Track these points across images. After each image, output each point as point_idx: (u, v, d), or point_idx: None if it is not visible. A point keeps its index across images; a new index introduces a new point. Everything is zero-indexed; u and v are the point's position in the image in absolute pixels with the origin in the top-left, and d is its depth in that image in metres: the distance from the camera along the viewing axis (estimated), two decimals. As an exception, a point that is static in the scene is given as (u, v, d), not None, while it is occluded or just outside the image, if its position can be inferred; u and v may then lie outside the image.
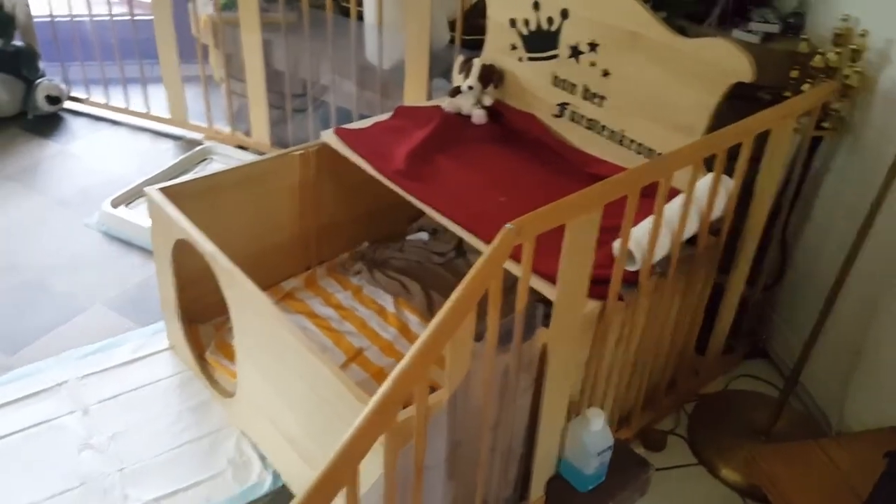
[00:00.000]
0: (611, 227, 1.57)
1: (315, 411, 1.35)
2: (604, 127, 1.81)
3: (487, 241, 1.49)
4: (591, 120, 1.84)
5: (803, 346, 1.61)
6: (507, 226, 1.08)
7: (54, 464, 1.61)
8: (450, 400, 1.11)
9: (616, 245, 1.42)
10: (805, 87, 1.72)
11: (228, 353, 1.84)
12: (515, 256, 1.13)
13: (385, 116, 2.02)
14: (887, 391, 1.64)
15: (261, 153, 2.77)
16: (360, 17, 2.44)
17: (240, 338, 1.53)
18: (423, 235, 2.33)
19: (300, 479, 1.50)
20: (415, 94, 2.34)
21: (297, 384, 1.37)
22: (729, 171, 1.54)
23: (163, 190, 1.70)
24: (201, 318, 1.88)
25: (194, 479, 1.60)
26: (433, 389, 1.15)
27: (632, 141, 1.75)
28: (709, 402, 1.89)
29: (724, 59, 1.50)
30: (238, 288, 1.46)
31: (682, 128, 1.63)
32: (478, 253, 1.96)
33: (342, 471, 0.89)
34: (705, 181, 1.54)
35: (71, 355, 1.89)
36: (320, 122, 2.65)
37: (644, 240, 1.42)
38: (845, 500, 1.42)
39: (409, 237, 2.33)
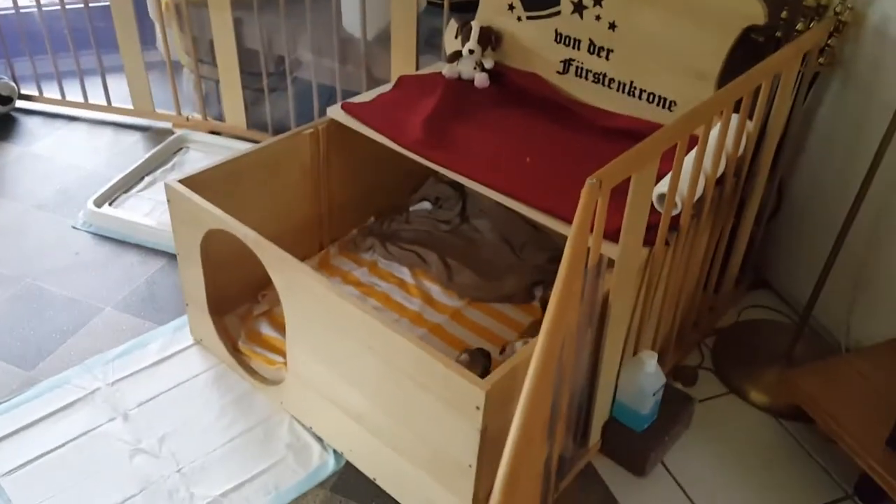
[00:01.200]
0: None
1: (388, 383, 1.38)
2: (612, 80, 1.87)
3: (527, 201, 1.55)
4: (597, 74, 1.89)
5: (818, 279, 1.73)
6: (590, 180, 1.12)
7: (108, 473, 1.59)
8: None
9: (656, 192, 1.49)
10: (799, 26, 1.82)
11: (261, 342, 1.84)
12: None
13: (386, 88, 2.03)
14: (890, 305, 1.78)
15: (237, 137, 2.73)
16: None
17: (292, 321, 1.54)
18: (426, 205, 2.36)
19: (372, 456, 1.53)
20: (403, 65, 2.34)
21: (364, 358, 1.40)
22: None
23: (184, 181, 1.67)
24: (224, 310, 1.87)
25: (257, 469, 1.61)
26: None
27: (643, 91, 1.82)
28: (727, 334, 2.01)
29: (735, 3, 1.57)
30: (289, 270, 1.47)
31: (695, 74, 1.70)
32: (482, 217, 2.02)
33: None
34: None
35: (96, 362, 1.85)
36: (299, 100, 2.62)
37: (684, 185, 1.49)
38: (880, 408, 1.54)
39: (413, 208, 2.36)
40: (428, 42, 2.53)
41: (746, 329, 2.03)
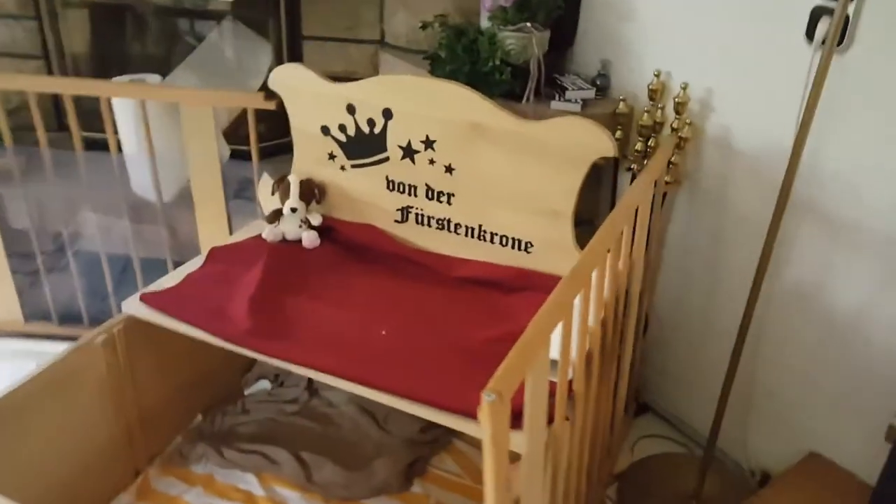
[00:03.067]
0: (515, 332, 1.47)
1: None
2: (458, 225, 1.71)
3: (391, 390, 1.30)
4: (440, 220, 1.73)
5: (717, 407, 1.64)
6: (487, 396, 0.91)
7: None
8: None
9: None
10: (638, 145, 1.78)
11: None
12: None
13: (194, 264, 1.73)
14: (783, 413, 1.71)
15: (11, 333, 2.27)
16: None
17: None
18: (265, 384, 2.04)
19: None
20: (212, 225, 2.06)
21: None
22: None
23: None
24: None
25: None
26: None
27: (494, 234, 1.67)
28: (628, 480, 1.86)
29: (581, 137, 1.48)
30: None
31: (548, 213, 1.58)
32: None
33: None
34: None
35: None
36: (87, 276, 2.23)
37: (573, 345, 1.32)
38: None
39: (249, 391, 2.03)
40: (238, 195, 2.27)
41: (646, 469, 1.88)
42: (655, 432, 2.01)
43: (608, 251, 1.33)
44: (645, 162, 1.79)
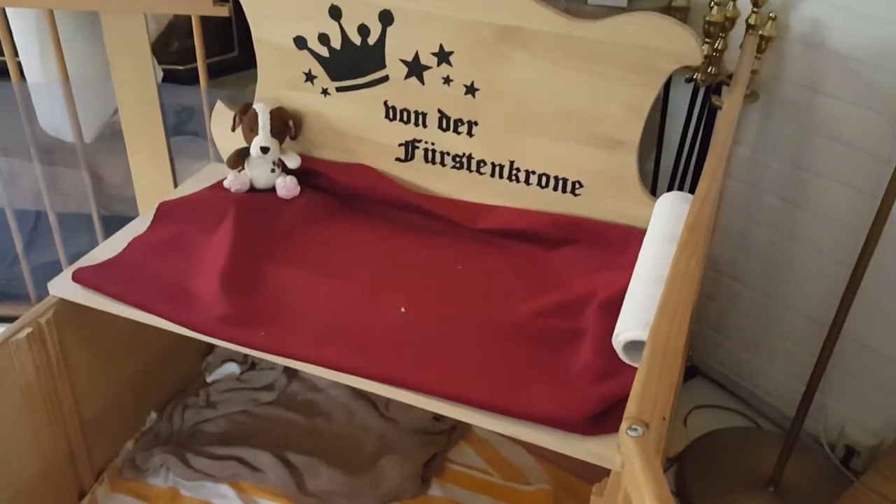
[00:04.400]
0: (572, 302, 1.24)
1: None
2: (481, 162, 1.44)
3: (428, 390, 1.06)
4: (458, 156, 1.45)
5: (813, 372, 1.44)
6: (631, 432, 0.66)
7: None
8: None
9: (624, 338, 1.08)
10: (704, 48, 1.52)
11: None
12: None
13: (138, 226, 1.43)
14: (877, 383, 1.55)
15: None
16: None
17: None
18: (233, 368, 1.78)
19: None
20: (151, 170, 1.74)
21: None
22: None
23: None
24: None
25: None
26: None
27: (530, 173, 1.41)
28: (688, 462, 1.67)
29: (655, 40, 1.22)
30: None
31: (604, 142, 1.33)
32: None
33: None
34: (668, 203, 1.26)
35: None
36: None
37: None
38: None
39: (212, 378, 1.76)
40: (179, 131, 1.95)
41: (707, 450, 1.69)
42: (710, 401, 1.83)
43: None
44: (710, 70, 1.53)
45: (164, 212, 1.43)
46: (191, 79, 1.80)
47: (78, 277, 1.28)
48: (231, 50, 2.14)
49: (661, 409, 0.99)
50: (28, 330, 1.26)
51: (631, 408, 0.70)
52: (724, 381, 1.86)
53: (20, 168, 1.87)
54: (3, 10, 1.60)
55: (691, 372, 1.92)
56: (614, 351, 1.10)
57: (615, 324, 1.09)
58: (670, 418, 1.36)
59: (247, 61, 1.90)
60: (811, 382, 1.43)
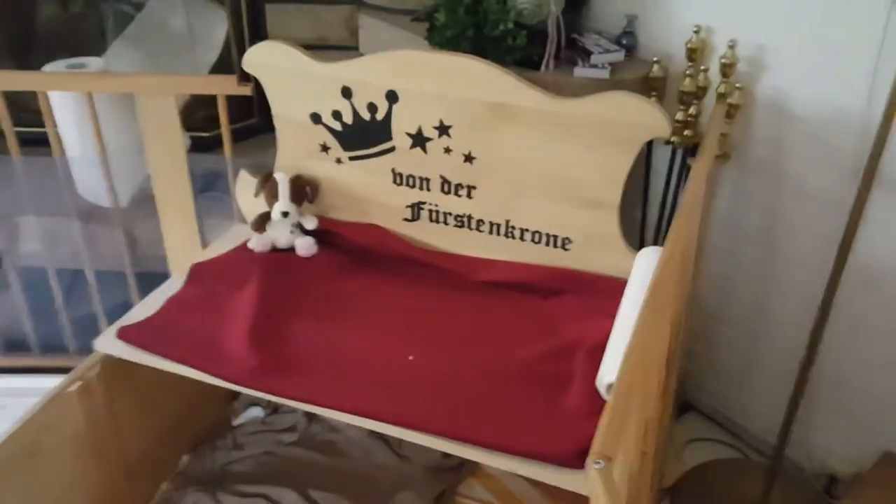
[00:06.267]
0: (563, 347, 1.40)
1: None
2: (480, 221, 1.62)
3: (436, 431, 1.22)
4: (459, 216, 1.63)
5: (789, 405, 1.60)
6: (595, 465, 0.82)
7: None
8: None
9: (606, 381, 1.24)
10: (679, 115, 1.69)
11: None
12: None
13: (173, 286, 1.60)
14: (846, 408, 1.68)
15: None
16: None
17: None
18: (257, 412, 1.94)
19: None
20: (179, 231, 1.92)
21: None
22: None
23: None
24: None
25: None
26: None
27: (524, 230, 1.58)
28: (682, 493, 1.81)
29: (629, 116, 1.39)
30: None
31: (589, 203, 1.50)
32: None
33: None
34: (646, 257, 1.43)
35: None
36: (29, 292, 2.08)
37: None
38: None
39: (238, 421, 1.92)
40: (205, 191, 2.13)
41: (700, 480, 1.84)
42: (703, 435, 1.97)
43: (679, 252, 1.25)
44: (686, 133, 1.71)
45: (197, 272, 1.61)
46: (215, 143, 1.99)
47: (123, 335, 1.46)
48: (251, 116, 2.34)
49: (635, 445, 1.15)
50: (78, 383, 1.43)
51: (596, 444, 0.85)
52: (716, 416, 2.00)
53: (61, 230, 2.05)
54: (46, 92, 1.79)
55: (685, 407, 2.06)
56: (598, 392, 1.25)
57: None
58: (657, 452, 1.51)
59: (267, 126, 2.09)
60: (787, 415, 1.58)
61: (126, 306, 1.58)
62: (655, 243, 1.74)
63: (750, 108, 1.65)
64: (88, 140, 1.88)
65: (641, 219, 1.91)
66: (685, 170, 1.75)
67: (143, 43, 2.36)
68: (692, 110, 1.69)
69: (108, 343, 1.47)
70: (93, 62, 2.11)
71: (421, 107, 1.53)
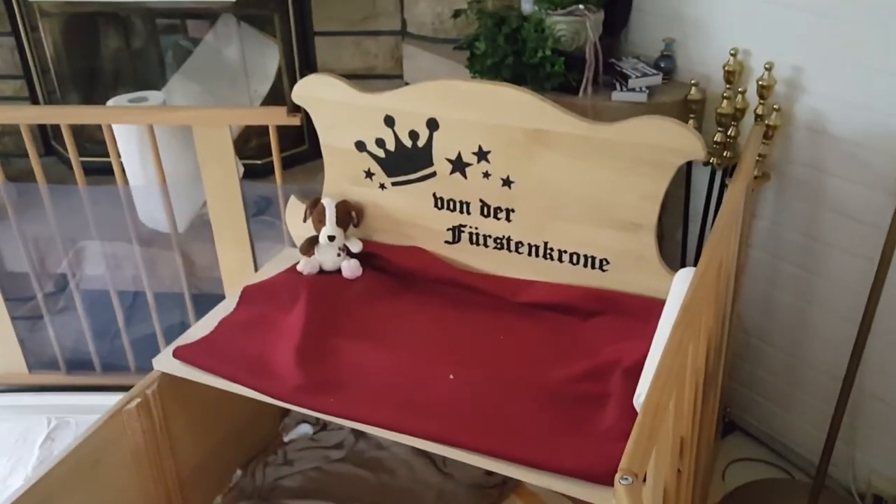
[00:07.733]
0: (601, 367, 1.42)
1: None
2: (519, 243, 1.65)
3: (472, 448, 1.24)
4: (498, 238, 1.66)
5: (831, 424, 1.58)
6: (623, 481, 0.84)
7: None
8: None
9: (638, 403, 1.25)
10: (717, 136, 1.70)
11: None
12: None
13: (226, 308, 1.67)
14: (893, 435, 1.66)
15: (17, 387, 2.23)
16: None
17: None
18: (306, 429, 1.99)
19: None
20: (234, 255, 1.99)
21: None
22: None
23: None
24: None
25: None
26: None
27: (562, 252, 1.61)
28: (726, 513, 1.79)
29: (663, 140, 1.41)
30: None
31: (625, 225, 1.51)
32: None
33: None
34: (683, 278, 1.43)
35: None
36: (90, 315, 2.18)
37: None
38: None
39: (289, 437, 1.98)
40: (256, 218, 2.21)
41: (743, 500, 1.82)
42: (747, 455, 1.95)
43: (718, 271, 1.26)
44: (725, 154, 1.72)
45: (248, 295, 1.68)
46: (267, 171, 2.07)
47: (178, 355, 1.52)
48: (302, 144, 2.42)
49: (671, 463, 1.17)
50: (137, 400, 1.50)
51: (623, 462, 0.88)
52: (760, 435, 1.98)
53: (123, 255, 2.15)
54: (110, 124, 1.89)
55: (730, 427, 2.04)
56: (636, 411, 1.27)
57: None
58: (696, 471, 1.51)
59: (316, 153, 2.16)
60: (830, 433, 1.57)
61: (183, 326, 1.65)
62: (696, 264, 1.75)
63: (788, 129, 1.65)
64: (149, 169, 1.97)
65: (682, 239, 1.91)
66: (725, 191, 1.75)
67: (199, 76, 2.47)
68: (731, 132, 1.69)
69: (165, 362, 1.54)
70: (153, 95, 2.21)
71: (460, 134, 1.57)
